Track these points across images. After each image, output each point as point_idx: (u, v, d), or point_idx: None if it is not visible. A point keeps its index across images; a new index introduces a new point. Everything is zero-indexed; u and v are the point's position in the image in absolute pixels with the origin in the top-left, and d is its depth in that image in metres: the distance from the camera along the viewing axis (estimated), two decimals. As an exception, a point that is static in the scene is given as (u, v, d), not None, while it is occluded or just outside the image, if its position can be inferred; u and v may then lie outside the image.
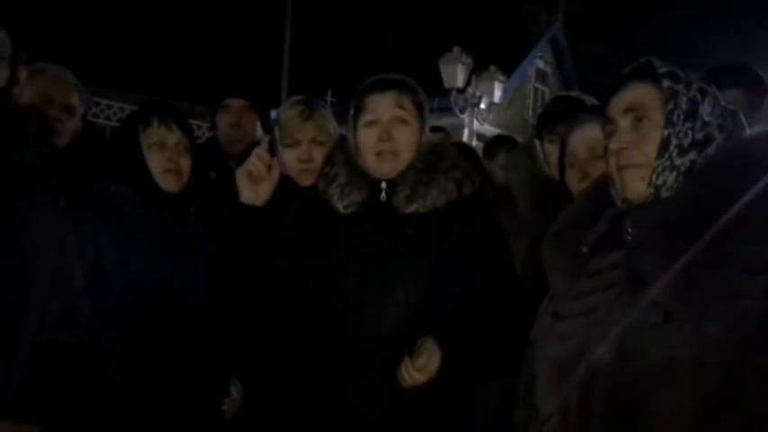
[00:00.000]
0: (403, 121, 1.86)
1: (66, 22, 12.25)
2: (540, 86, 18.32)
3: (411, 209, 1.83)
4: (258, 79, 12.65)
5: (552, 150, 2.21)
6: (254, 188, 1.95)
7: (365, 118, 1.88)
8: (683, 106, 1.34)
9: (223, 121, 2.81)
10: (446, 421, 1.79)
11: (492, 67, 12.05)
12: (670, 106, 1.33)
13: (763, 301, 1.17)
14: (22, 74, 1.70)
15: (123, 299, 1.90)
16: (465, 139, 12.47)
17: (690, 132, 1.33)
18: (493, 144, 3.68)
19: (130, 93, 10.08)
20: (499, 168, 3.47)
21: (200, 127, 9.52)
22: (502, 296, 1.80)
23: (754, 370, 1.16)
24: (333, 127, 2.20)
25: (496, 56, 13.24)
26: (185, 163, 2.04)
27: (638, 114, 1.36)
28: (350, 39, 15.68)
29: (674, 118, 1.33)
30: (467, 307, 1.78)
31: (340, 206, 1.88)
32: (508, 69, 14.31)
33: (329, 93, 12.51)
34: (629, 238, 1.33)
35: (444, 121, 13.46)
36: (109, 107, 10.29)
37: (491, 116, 12.53)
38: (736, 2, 18.03)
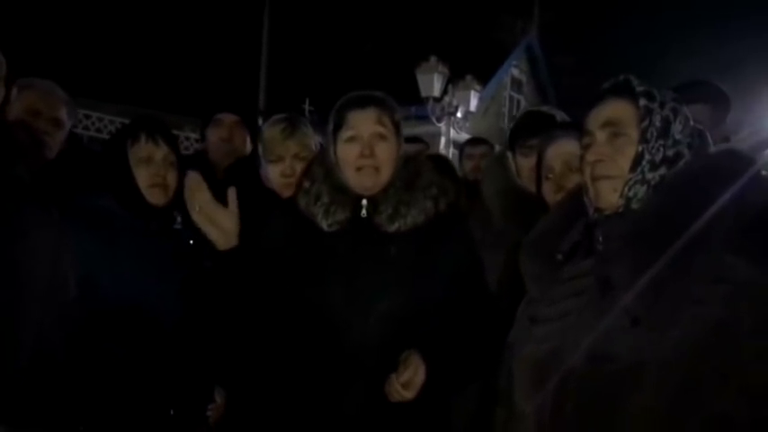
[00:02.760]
0: (383, 138, 1.91)
1: (49, 34, 12.17)
2: (515, 95, 18.53)
3: (393, 227, 1.88)
4: (236, 88, 12.66)
5: (525, 163, 2.28)
6: (217, 228, 1.92)
7: (346, 134, 1.92)
8: (657, 124, 1.42)
9: (214, 134, 2.86)
10: (427, 423, 1.86)
11: (468, 77, 12.18)
12: (645, 124, 1.41)
13: (721, 308, 1.25)
14: (12, 90, 1.75)
15: (111, 308, 1.94)
16: (442, 147, 12.61)
17: (662, 149, 1.41)
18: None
19: (109, 103, 10.07)
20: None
21: (188, 138, 9.55)
22: (476, 303, 1.87)
23: (714, 371, 1.24)
24: (314, 142, 2.28)
25: (473, 65, 13.38)
26: (171, 177, 2.08)
27: (614, 130, 1.43)
28: (327, 48, 15.74)
29: (648, 135, 1.41)
30: (445, 315, 1.84)
31: (324, 225, 1.92)
32: (484, 78, 14.48)
33: (307, 102, 12.58)
34: (600, 247, 1.41)
35: (421, 130, 13.57)
36: (87, 117, 10.24)
37: (467, 124, 12.65)
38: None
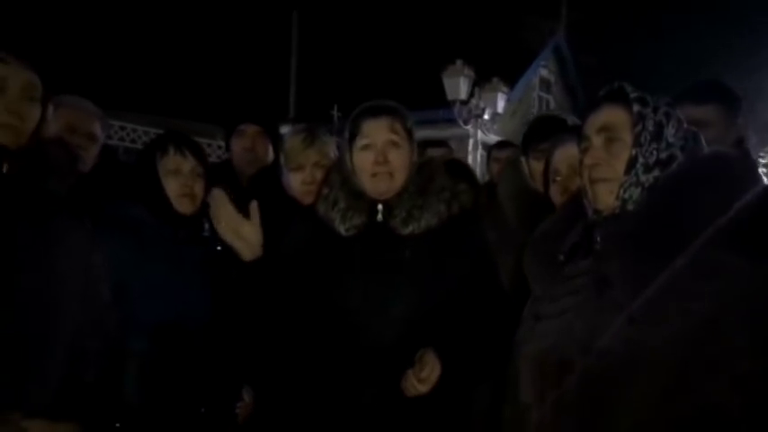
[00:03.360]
0: (396, 145, 2.00)
1: (80, 47, 12.48)
2: (544, 95, 18.42)
3: (407, 231, 1.97)
4: (266, 96, 12.86)
5: (537, 166, 2.36)
6: (243, 240, 2.07)
7: (361, 142, 2.02)
8: (650, 128, 1.48)
9: (238, 144, 2.95)
10: (444, 418, 1.94)
11: (495, 79, 12.21)
12: (638, 128, 1.48)
13: (712, 303, 1.31)
14: (49, 109, 1.88)
15: (144, 311, 2.05)
16: (470, 149, 12.65)
17: (655, 152, 1.47)
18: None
19: (143, 114, 10.30)
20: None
21: (209, 145, 9.73)
22: (489, 303, 1.94)
23: (706, 363, 1.30)
24: (333, 151, 2.37)
25: (499, 67, 13.38)
26: (199, 187, 2.19)
27: (610, 135, 1.50)
28: (355, 55, 15.87)
29: (642, 139, 1.47)
30: (458, 315, 1.92)
31: (342, 229, 2.01)
32: (511, 80, 14.45)
33: (335, 108, 12.72)
34: (598, 247, 1.48)
35: (449, 132, 13.64)
36: (122, 128, 10.49)
37: (495, 126, 12.67)
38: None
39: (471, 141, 12.71)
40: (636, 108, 1.48)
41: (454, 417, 1.96)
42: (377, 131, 2.01)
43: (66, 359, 1.67)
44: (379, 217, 2.02)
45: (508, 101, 13.93)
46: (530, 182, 2.43)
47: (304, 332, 2.00)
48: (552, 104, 18.47)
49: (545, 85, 18.51)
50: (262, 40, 15.74)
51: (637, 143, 1.47)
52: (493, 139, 12.54)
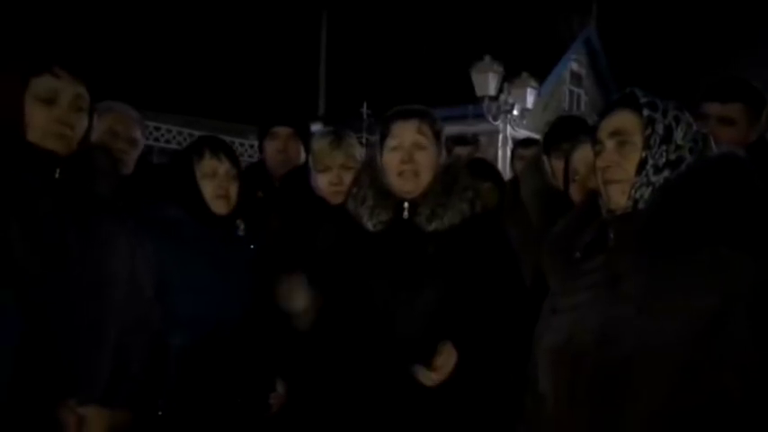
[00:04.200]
0: (423, 146, 2.11)
1: (116, 51, 12.75)
2: (575, 89, 18.31)
3: (431, 227, 2.08)
4: (296, 95, 13.02)
5: (558, 165, 2.43)
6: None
7: (390, 143, 2.14)
8: (660, 132, 1.54)
9: (271, 146, 3.07)
10: (467, 406, 2.03)
11: (524, 74, 12.19)
12: (648, 132, 1.55)
13: (717, 297, 1.39)
14: (94, 116, 2.01)
15: (183, 307, 2.16)
16: (500, 144, 12.67)
17: (664, 154, 1.54)
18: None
19: (175, 114, 10.52)
20: None
21: (241, 144, 9.92)
22: (510, 298, 2.03)
23: (711, 353, 1.38)
24: (359, 152, 2.48)
25: (529, 62, 13.37)
26: (233, 189, 2.31)
27: (621, 138, 1.58)
28: (384, 53, 15.96)
29: (651, 142, 1.54)
30: (479, 309, 2.01)
31: (370, 225, 2.13)
32: (541, 74, 14.40)
33: (365, 105, 12.82)
34: (611, 244, 1.56)
35: (480, 128, 13.70)
36: (157, 129, 10.72)
37: (524, 121, 12.66)
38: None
39: (501, 137, 12.72)
40: (646, 112, 1.55)
41: (477, 406, 2.05)
42: (405, 133, 2.13)
43: (114, 353, 1.80)
44: (405, 214, 2.12)
45: (539, 95, 13.89)
46: (551, 180, 2.50)
47: (335, 323, 2.11)
48: (584, 98, 18.36)
49: (576, 78, 18.39)
50: (292, 40, 15.91)
51: (647, 146, 1.54)
52: (523, 134, 12.53)
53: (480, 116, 12.51)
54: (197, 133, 11.11)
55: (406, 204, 2.12)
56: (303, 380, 2.28)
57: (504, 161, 10.80)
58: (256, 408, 2.29)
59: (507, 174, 5.96)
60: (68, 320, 1.69)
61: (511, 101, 12.02)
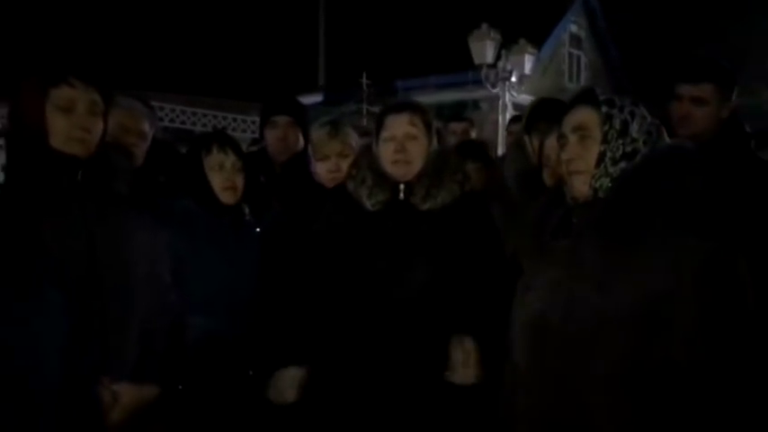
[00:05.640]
0: (414, 137, 2.31)
1: (118, 38, 12.78)
2: (574, 51, 18.27)
3: (425, 207, 2.29)
4: (296, 66, 13.08)
5: (537, 145, 2.62)
6: None
7: (384, 135, 2.34)
8: (617, 126, 1.72)
9: (271, 135, 3.27)
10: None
11: (522, 40, 12.28)
12: (606, 127, 1.73)
13: (666, 275, 1.59)
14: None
15: (198, 290, 2.36)
16: (500, 111, 12.78)
17: (621, 147, 1.72)
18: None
19: (180, 94, 10.64)
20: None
21: (244, 121, 10.09)
22: (491, 273, 2.24)
23: (661, 325, 1.59)
24: (355, 141, 2.66)
25: (526, 27, 13.40)
26: (239, 180, 2.51)
27: (582, 133, 1.76)
28: (382, 22, 15.93)
29: (609, 136, 1.72)
30: (466, 283, 2.22)
31: (368, 204, 2.33)
32: (539, 39, 14.44)
33: (364, 75, 12.92)
34: (575, 229, 1.76)
35: (479, 94, 13.79)
36: (161, 109, 10.86)
37: (522, 87, 12.75)
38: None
39: (500, 103, 12.83)
40: (604, 109, 1.73)
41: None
42: (397, 125, 2.33)
43: (140, 334, 2.02)
44: (401, 195, 2.32)
45: (538, 59, 13.93)
46: (533, 160, 2.68)
47: (339, 294, 2.29)
48: (583, 60, 18.35)
49: (575, 41, 18.34)
50: (290, 13, 15.89)
51: (605, 140, 1.72)
52: (524, 99, 12.65)
53: (479, 83, 12.62)
54: (200, 111, 11.33)
55: (401, 186, 2.32)
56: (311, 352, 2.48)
57: (504, 127, 10.94)
58: (266, 379, 2.50)
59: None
60: (100, 308, 1.90)
61: (509, 68, 12.13)
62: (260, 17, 15.93)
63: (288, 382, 2.31)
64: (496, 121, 12.23)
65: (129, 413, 1.95)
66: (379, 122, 2.37)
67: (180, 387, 2.30)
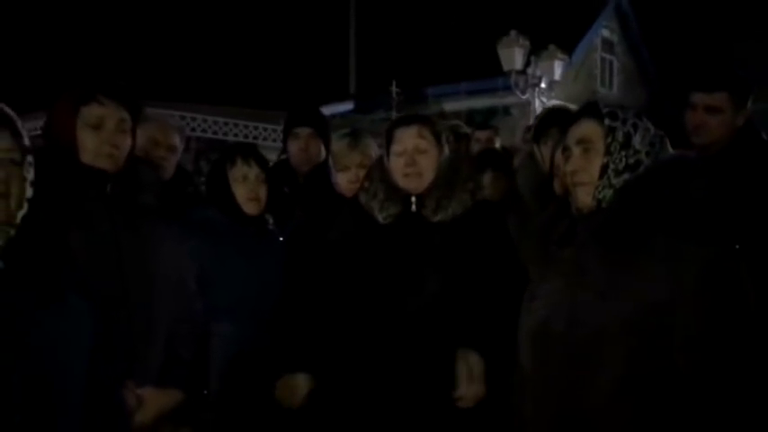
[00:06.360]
0: (424, 150, 2.37)
1: (152, 48, 13.03)
2: (607, 56, 18.08)
3: (437, 218, 2.34)
4: (326, 75, 13.22)
5: (547, 153, 2.68)
6: None
7: (395, 148, 2.39)
8: (620, 139, 1.76)
9: (293, 146, 3.36)
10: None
11: (551, 46, 12.27)
12: (609, 139, 1.78)
13: (668, 282, 1.63)
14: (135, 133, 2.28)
15: (223, 299, 2.45)
16: (531, 116, 12.77)
17: (624, 159, 1.76)
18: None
19: (212, 104, 10.81)
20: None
21: (275, 131, 10.21)
22: (502, 282, 2.28)
23: (663, 331, 1.63)
24: (375, 152, 2.74)
25: (556, 33, 13.36)
26: (263, 191, 2.61)
27: (586, 146, 1.81)
28: (413, 30, 15.97)
29: (612, 148, 1.77)
30: (479, 293, 2.27)
31: (380, 217, 2.39)
32: (570, 44, 14.37)
33: (394, 84, 13.00)
34: (579, 238, 1.81)
35: (510, 100, 13.77)
36: (193, 119, 11.09)
37: (553, 93, 12.72)
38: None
39: (531, 108, 12.81)
40: (607, 122, 1.79)
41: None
42: (407, 138, 2.38)
43: (166, 341, 2.11)
44: (413, 208, 2.38)
45: (569, 65, 13.86)
46: (544, 170, 2.73)
47: (354, 304, 2.35)
48: (616, 65, 18.17)
49: (607, 45, 18.16)
50: (320, 21, 16.06)
51: (608, 152, 1.77)
52: (555, 104, 12.62)
53: (510, 89, 12.62)
54: (231, 121, 11.52)
55: (413, 198, 2.38)
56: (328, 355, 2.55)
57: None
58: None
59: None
60: (126, 315, 2.00)
61: (539, 73, 12.13)
62: (291, 28, 16.12)
63: (294, 388, 2.38)
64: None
65: (153, 417, 2.04)
66: (389, 136, 2.41)
67: (205, 393, 2.41)
